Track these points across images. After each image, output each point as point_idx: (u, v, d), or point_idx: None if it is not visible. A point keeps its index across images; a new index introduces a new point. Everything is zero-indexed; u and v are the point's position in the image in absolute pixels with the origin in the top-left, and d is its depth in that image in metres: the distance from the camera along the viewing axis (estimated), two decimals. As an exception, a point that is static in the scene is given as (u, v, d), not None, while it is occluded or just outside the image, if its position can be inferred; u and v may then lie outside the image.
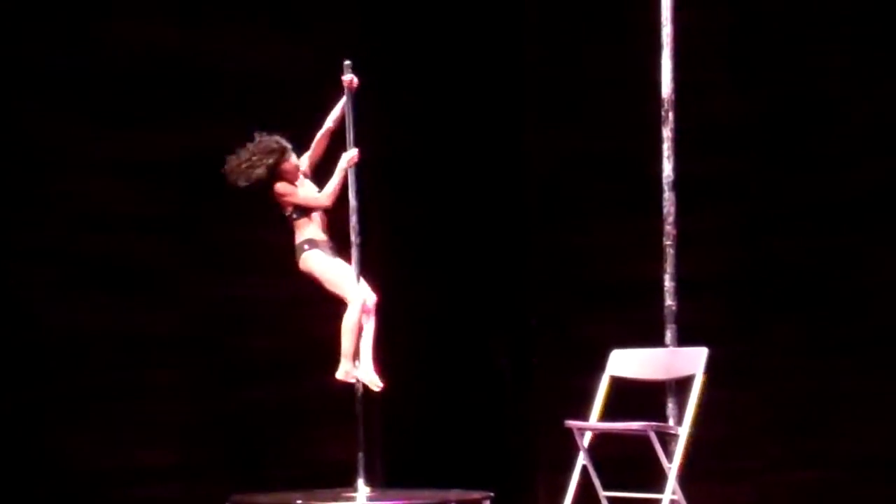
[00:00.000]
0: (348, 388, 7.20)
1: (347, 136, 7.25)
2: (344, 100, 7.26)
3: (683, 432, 5.58)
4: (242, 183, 7.27)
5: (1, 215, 8.83)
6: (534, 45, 10.49)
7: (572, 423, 5.78)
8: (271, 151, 7.25)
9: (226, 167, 7.30)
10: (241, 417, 9.47)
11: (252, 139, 7.34)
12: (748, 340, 9.42)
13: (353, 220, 7.23)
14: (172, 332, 9.28)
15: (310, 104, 7.59)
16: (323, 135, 7.34)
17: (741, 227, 9.70)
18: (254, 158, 7.27)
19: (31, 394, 8.83)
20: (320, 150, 7.39)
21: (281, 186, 7.26)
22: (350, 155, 7.21)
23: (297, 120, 7.93)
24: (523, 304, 10.50)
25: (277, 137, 7.32)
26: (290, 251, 7.76)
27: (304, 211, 7.30)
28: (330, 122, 7.32)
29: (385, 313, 7.29)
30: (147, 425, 9.15)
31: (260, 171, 7.25)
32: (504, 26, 10.61)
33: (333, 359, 7.21)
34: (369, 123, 7.53)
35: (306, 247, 7.26)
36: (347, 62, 7.25)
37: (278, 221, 7.51)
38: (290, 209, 7.32)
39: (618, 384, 5.87)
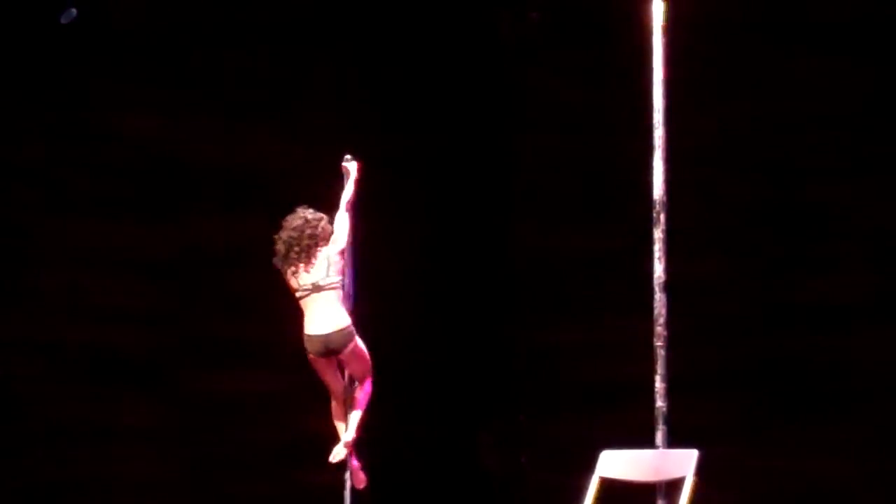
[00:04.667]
0: (334, 483, 7.14)
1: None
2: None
3: (673, 535, 5.53)
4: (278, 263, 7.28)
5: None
6: (523, 143, 10.54)
7: (561, 525, 5.72)
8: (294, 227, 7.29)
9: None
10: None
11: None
12: (738, 441, 9.36)
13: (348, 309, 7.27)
14: (156, 426, 9.23)
15: (304, 197, 7.61)
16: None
17: (732, 328, 9.68)
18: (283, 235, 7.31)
19: (12, 485, 8.75)
20: None
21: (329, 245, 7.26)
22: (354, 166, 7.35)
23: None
24: (513, 403, 10.45)
25: (305, 213, 7.36)
26: (273, 344, 7.74)
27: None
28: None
29: (373, 413, 7.25)
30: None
31: (279, 246, 7.26)
32: (494, 122, 10.68)
33: (321, 453, 7.16)
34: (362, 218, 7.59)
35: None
36: (348, 156, 7.40)
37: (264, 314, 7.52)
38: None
39: (607, 485, 5.82)
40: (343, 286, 7.18)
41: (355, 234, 7.34)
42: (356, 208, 7.37)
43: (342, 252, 7.19)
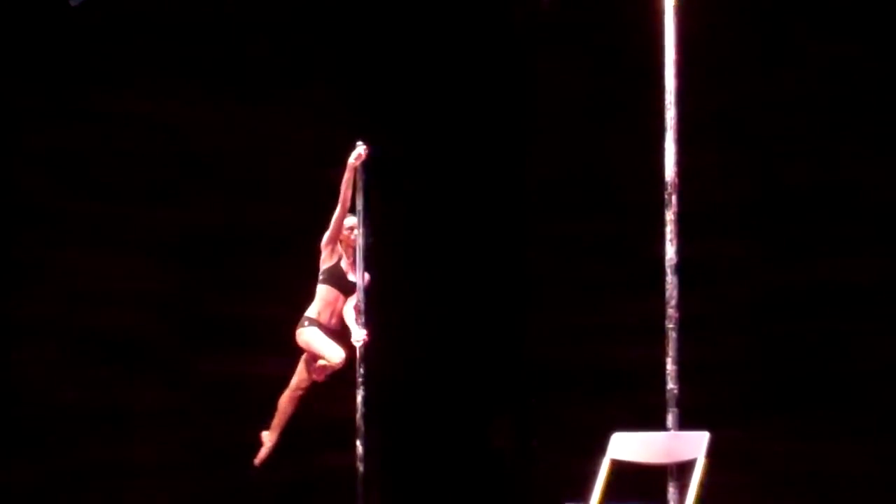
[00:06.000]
0: (347, 466, 7.17)
1: (358, 216, 7.43)
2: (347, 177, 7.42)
3: (685, 517, 5.53)
4: None
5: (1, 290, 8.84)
6: (535, 130, 10.53)
7: (572, 507, 5.73)
8: None
9: None
10: (242, 499, 9.40)
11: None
12: (749, 424, 9.35)
13: (361, 299, 7.35)
14: (169, 409, 9.25)
15: (310, 180, 7.64)
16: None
17: (743, 311, 9.67)
18: None
19: (28, 468, 8.77)
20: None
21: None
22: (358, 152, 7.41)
23: (299, 197, 7.97)
24: (525, 386, 10.45)
25: None
26: (289, 328, 7.79)
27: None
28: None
29: (386, 395, 7.27)
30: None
31: None
32: (507, 113, 10.66)
33: (335, 435, 7.19)
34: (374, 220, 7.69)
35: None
36: (359, 142, 7.46)
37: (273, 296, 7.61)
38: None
39: (619, 467, 5.81)
40: (321, 277, 7.47)
41: (377, 223, 7.48)
42: (366, 192, 7.43)
43: (325, 244, 7.41)
